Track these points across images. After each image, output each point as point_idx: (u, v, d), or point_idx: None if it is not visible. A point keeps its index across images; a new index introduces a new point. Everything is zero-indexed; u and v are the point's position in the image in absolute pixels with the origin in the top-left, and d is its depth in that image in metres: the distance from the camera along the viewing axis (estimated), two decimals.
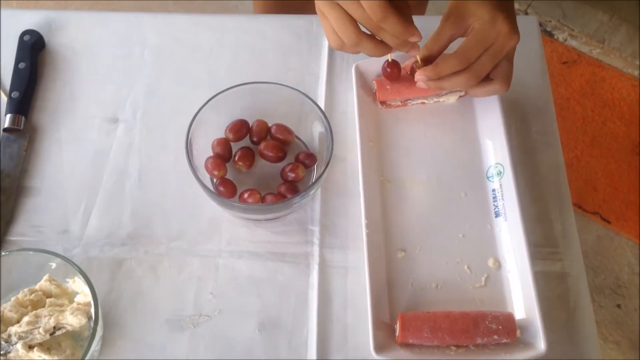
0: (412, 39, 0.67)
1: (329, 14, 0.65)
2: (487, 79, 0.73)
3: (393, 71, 0.78)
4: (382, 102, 0.80)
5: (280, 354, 0.67)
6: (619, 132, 1.84)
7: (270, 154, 0.75)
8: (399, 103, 0.80)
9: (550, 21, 2.02)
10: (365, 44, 0.67)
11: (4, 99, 0.81)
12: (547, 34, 2.02)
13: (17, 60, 0.83)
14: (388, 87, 0.79)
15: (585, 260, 1.65)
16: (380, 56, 0.70)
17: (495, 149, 0.76)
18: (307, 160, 0.75)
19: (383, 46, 0.68)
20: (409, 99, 0.80)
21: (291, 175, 0.74)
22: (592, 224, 1.73)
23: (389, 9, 0.62)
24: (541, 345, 0.64)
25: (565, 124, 1.85)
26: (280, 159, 0.75)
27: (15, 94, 0.80)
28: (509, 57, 0.72)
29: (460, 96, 0.81)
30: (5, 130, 0.79)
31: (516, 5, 2.05)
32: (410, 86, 0.78)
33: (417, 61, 0.74)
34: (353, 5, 0.63)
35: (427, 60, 0.73)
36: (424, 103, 0.81)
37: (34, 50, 0.84)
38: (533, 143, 0.79)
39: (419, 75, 0.73)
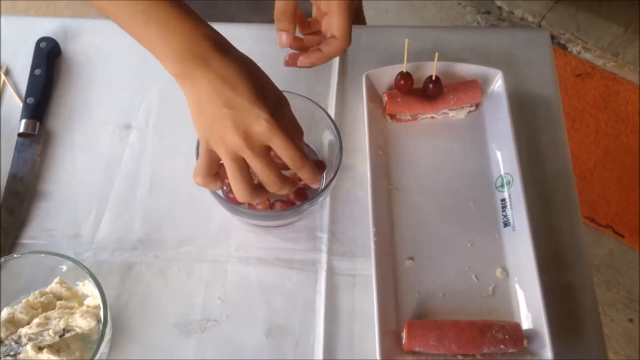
0: (314, 184, 0.66)
1: (257, 159, 0.61)
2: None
3: (406, 83, 0.78)
4: (392, 117, 0.81)
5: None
6: (633, 145, 1.83)
7: (279, 161, 0.75)
8: (409, 117, 0.81)
9: (564, 34, 2.02)
10: (288, 185, 0.64)
11: (20, 104, 0.82)
12: (560, 46, 2.02)
13: (33, 67, 0.84)
14: (399, 99, 0.79)
15: (598, 274, 1.64)
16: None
17: (504, 159, 0.77)
18: (315, 167, 0.75)
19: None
20: (419, 114, 0.80)
21: (299, 182, 0.74)
22: (605, 237, 1.71)
23: (304, 156, 0.62)
24: (548, 355, 0.64)
25: (578, 137, 1.85)
26: (287, 166, 0.76)
27: (30, 100, 0.81)
28: (341, 10, 0.72)
29: (469, 111, 0.81)
30: (20, 135, 0.80)
31: (530, 18, 2.05)
32: (421, 100, 0.78)
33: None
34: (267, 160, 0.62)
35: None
36: (433, 118, 0.81)
37: (49, 57, 0.85)
38: (542, 154, 0.79)
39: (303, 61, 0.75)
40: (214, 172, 0.64)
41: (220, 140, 0.60)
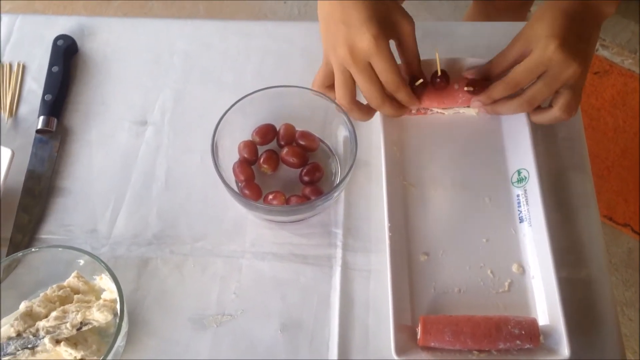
0: (412, 107, 0.75)
1: (359, 74, 0.68)
2: (548, 105, 0.73)
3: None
4: None
5: (302, 354, 0.68)
6: None
7: (291, 160, 0.76)
8: (414, 112, 0.80)
9: None
10: (387, 105, 0.72)
11: (38, 101, 0.83)
12: None
13: (51, 64, 0.85)
14: None
15: (616, 273, 1.63)
16: (396, 116, 0.75)
17: (520, 154, 0.76)
18: (411, 93, 0.74)
19: (401, 108, 0.74)
20: (428, 108, 0.80)
21: (306, 178, 0.75)
22: (623, 236, 1.69)
23: (401, 82, 0.70)
24: (565, 351, 0.63)
25: (596, 135, 1.83)
26: (301, 165, 0.76)
27: (48, 97, 0.82)
28: (572, 86, 0.70)
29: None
30: (38, 131, 0.81)
31: None
32: (429, 95, 0.77)
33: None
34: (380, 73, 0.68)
35: (486, 77, 0.75)
36: (442, 114, 0.80)
37: (67, 55, 0.86)
38: (559, 149, 0.79)
39: (474, 102, 0.75)
40: (330, 83, 0.73)
41: (333, 53, 0.69)
